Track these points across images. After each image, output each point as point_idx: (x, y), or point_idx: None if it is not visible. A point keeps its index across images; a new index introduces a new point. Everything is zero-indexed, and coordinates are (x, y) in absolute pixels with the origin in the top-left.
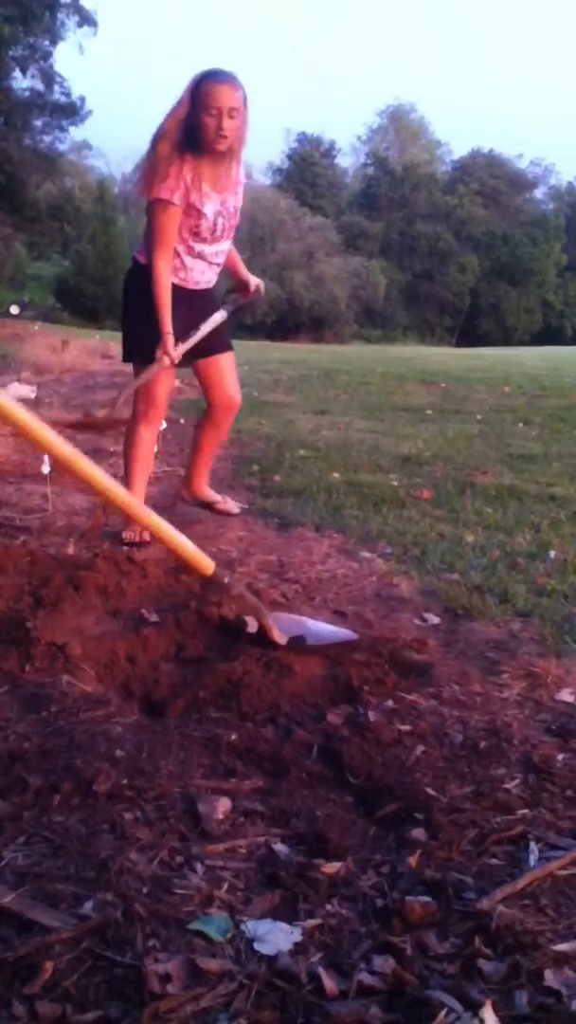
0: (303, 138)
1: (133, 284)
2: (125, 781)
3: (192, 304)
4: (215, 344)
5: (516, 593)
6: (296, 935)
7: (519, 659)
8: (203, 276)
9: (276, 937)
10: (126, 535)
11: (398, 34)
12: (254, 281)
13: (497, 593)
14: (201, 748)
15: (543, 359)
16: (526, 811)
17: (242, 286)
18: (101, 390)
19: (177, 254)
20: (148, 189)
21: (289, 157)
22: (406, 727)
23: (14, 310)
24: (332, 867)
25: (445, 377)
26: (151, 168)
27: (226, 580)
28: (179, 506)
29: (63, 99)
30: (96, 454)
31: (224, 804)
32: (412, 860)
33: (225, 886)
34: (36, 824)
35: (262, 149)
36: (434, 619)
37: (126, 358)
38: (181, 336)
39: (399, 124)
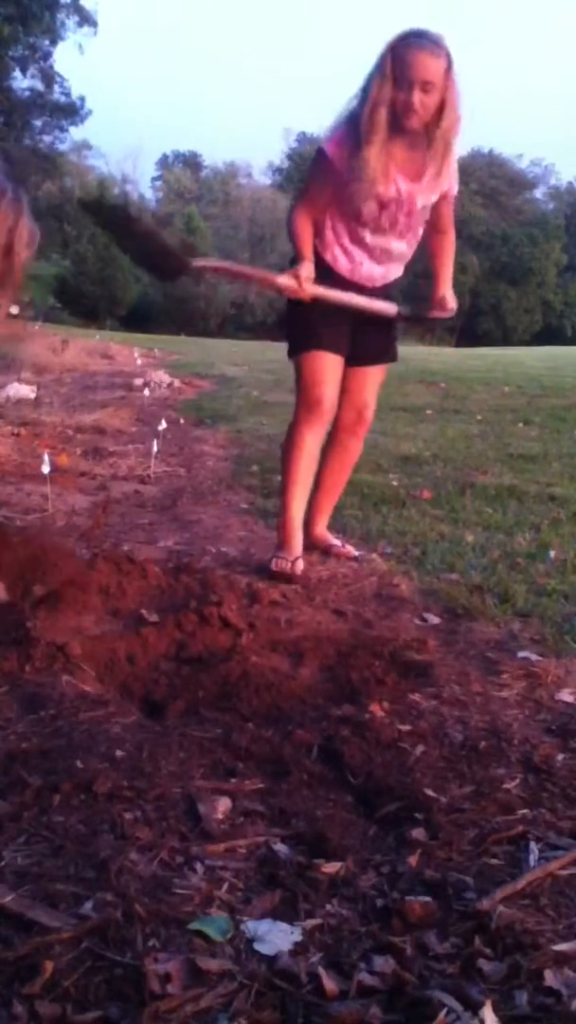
0: (303, 138)
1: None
2: (125, 781)
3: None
4: (375, 352)
5: (516, 593)
6: (296, 935)
7: (519, 659)
8: (362, 268)
9: (276, 937)
10: (275, 564)
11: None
12: (441, 295)
13: (497, 593)
14: (201, 748)
15: (543, 359)
16: (526, 811)
17: (431, 300)
18: (101, 390)
19: (335, 232)
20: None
21: (289, 157)
22: (406, 727)
23: (14, 310)
24: (332, 867)
25: (445, 377)
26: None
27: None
28: (179, 505)
29: (63, 99)
30: (95, 454)
31: (224, 804)
32: (412, 860)
33: (225, 886)
34: (36, 824)
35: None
36: (434, 619)
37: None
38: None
39: None
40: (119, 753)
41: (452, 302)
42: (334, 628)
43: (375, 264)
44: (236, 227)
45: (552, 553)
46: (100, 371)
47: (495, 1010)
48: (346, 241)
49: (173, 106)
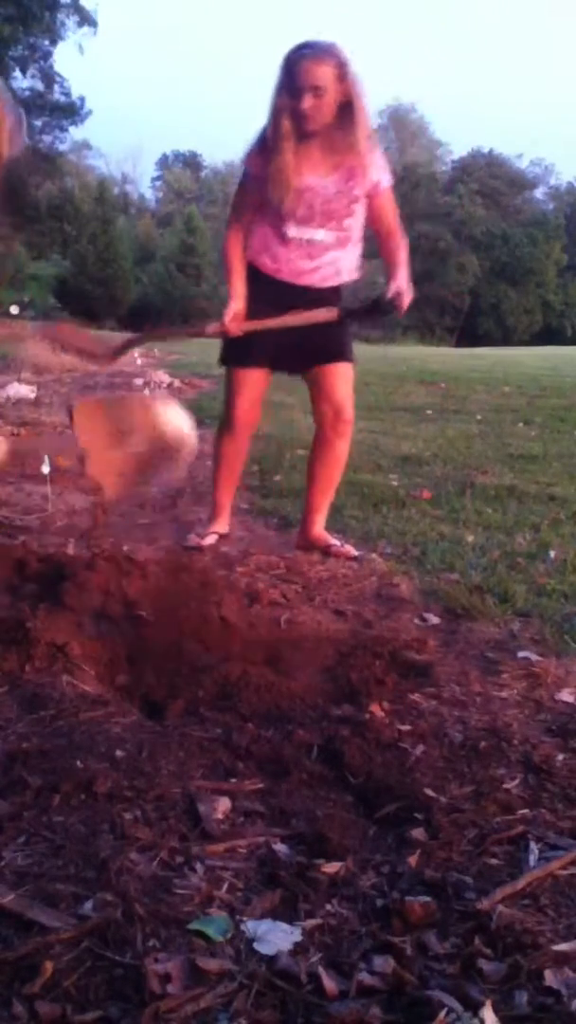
0: None
1: None
2: (125, 781)
3: (278, 298)
4: (329, 351)
5: (516, 593)
6: (296, 935)
7: (519, 659)
8: (289, 265)
9: (276, 937)
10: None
11: (398, 33)
12: (395, 288)
13: (497, 593)
14: (201, 748)
15: (543, 359)
16: (526, 811)
17: (387, 292)
18: (102, 390)
19: (261, 236)
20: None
21: None
22: (406, 727)
23: (14, 310)
24: (332, 867)
25: (445, 377)
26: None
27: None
28: (179, 505)
29: (63, 99)
30: None
31: (224, 804)
32: (412, 860)
33: (225, 886)
34: (36, 824)
35: None
36: (434, 619)
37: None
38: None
39: (399, 124)
40: (119, 753)
41: (399, 286)
42: (334, 628)
43: (304, 259)
44: None
45: (552, 553)
46: (100, 371)
47: (495, 1010)
48: (274, 244)
49: (173, 106)
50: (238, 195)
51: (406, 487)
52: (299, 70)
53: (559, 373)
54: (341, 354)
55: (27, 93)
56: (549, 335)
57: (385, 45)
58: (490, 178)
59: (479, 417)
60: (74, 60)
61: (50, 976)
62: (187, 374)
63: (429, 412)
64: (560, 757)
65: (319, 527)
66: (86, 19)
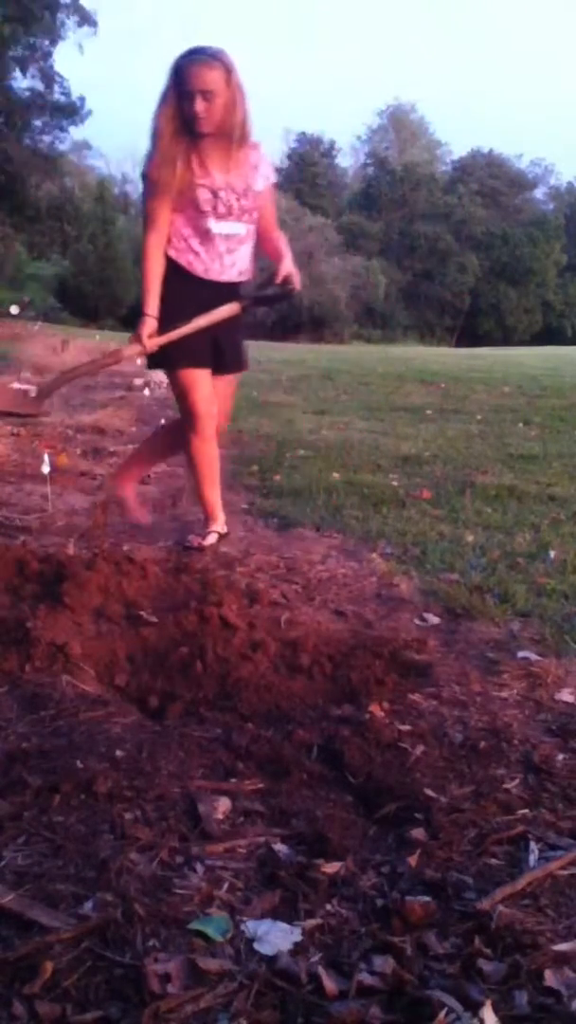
0: (303, 138)
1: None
2: (125, 781)
3: (206, 297)
4: (226, 361)
5: (516, 593)
6: (296, 935)
7: (519, 659)
8: (214, 264)
9: (276, 937)
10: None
11: (398, 34)
12: (285, 270)
13: (497, 593)
14: (201, 748)
15: (543, 359)
16: (526, 811)
17: (276, 277)
18: (101, 390)
19: (183, 237)
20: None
21: (289, 157)
22: (406, 727)
23: (14, 310)
24: (332, 867)
25: (445, 377)
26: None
27: None
28: (178, 505)
29: (63, 99)
30: (95, 454)
31: (224, 804)
32: (412, 860)
33: (225, 886)
34: (36, 824)
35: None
36: (434, 619)
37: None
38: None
39: (399, 124)
40: (119, 753)
41: (288, 270)
42: (334, 628)
43: (225, 255)
44: None
45: (552, 553)
46: (93, 376)
47: (495, 1010)
48: (195, 243)
49: None
50: (150, 205)
51: (406, 487)
52: (190, 75)
53: (559, 373)
54: (240, 363)
55: (27, 93)
56: (549, 335)
57: (385, 45)
58: (490, 178)
59: (479, 417)
60: (74, 60)
61: (50, 976)
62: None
63: (429, 412)
64: (560, 757)
65: (131, 487)
66: (86, 19)
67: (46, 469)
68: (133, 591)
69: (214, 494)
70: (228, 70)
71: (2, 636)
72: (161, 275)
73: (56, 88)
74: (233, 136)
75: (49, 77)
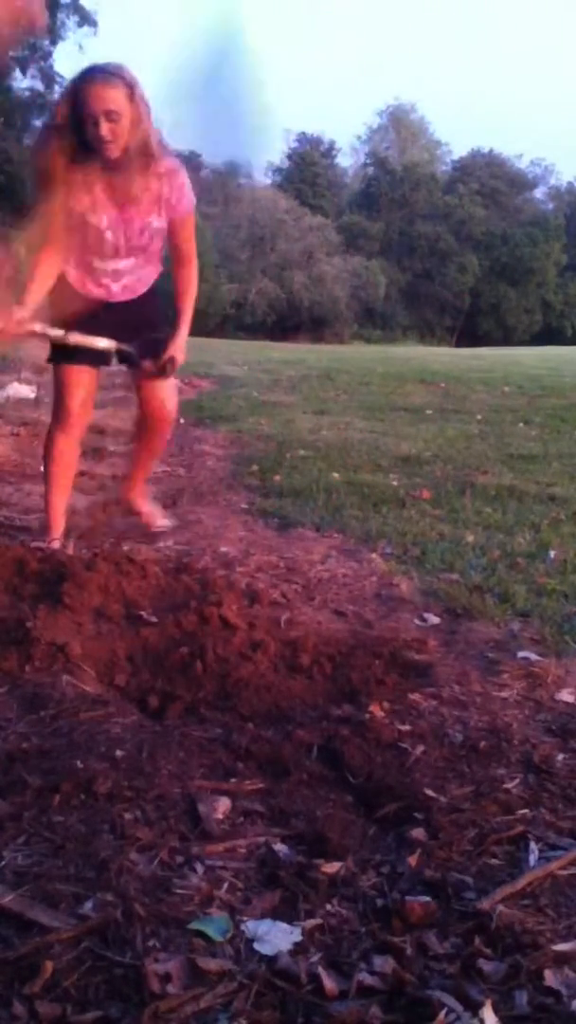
0: (303, 138)
1: None
2: (125, 781)
3: (88, 310)
4: (133, 360)
5: (516, 593)
6: (296, 935)
7: (519, 659)
8: (101, 291)
9: (276, 937)
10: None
11: (398, 34)
12: (171, 354)
13: (497, 593)
14: (201, 748)
15: (543, 359)
16: (526, 811)
17: (162, 350)
18: (101, 390)
19: (72, 256)
20: None
21: (289, 157)
22: (406, 727)
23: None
24: (332, 867)
25: (445, 377)
26: None
27: None
28: (178, 505)
29: None
30: (95, 454)
31: (224, 804)
32: (412, 860)
33: (225, 886)
34: (36, 824)
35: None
36: (434, 619)
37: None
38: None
39: (399, 124)
40: (119, 753)
41: (180, 359)
42: (334, 628)
43: (111, 283)
44: (236, 227)
45: (552, 553)
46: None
47: (495, 1010)
48: (81, 268)
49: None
50: (36, 225)
51: (406, 487)
52: (90, 96)
53: (559, 373)
54: (154, 357)
55: (27, 93)
56: (549, 335)
57: (385, 45)
58: (490, 178)
59: (479, 417)
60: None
61: (50, 976)
62: (187, 374)
63: (429, 412)
64: (560, 757)
65: (137, 492)
66: (86, 19)
67: None
68: (133, 591)
69: (59, 500)
70: (130, 85)
71: (2, 636)
72: (47, 280)
73: (56, 88)
74: (134, 161)
75: (49, 77)
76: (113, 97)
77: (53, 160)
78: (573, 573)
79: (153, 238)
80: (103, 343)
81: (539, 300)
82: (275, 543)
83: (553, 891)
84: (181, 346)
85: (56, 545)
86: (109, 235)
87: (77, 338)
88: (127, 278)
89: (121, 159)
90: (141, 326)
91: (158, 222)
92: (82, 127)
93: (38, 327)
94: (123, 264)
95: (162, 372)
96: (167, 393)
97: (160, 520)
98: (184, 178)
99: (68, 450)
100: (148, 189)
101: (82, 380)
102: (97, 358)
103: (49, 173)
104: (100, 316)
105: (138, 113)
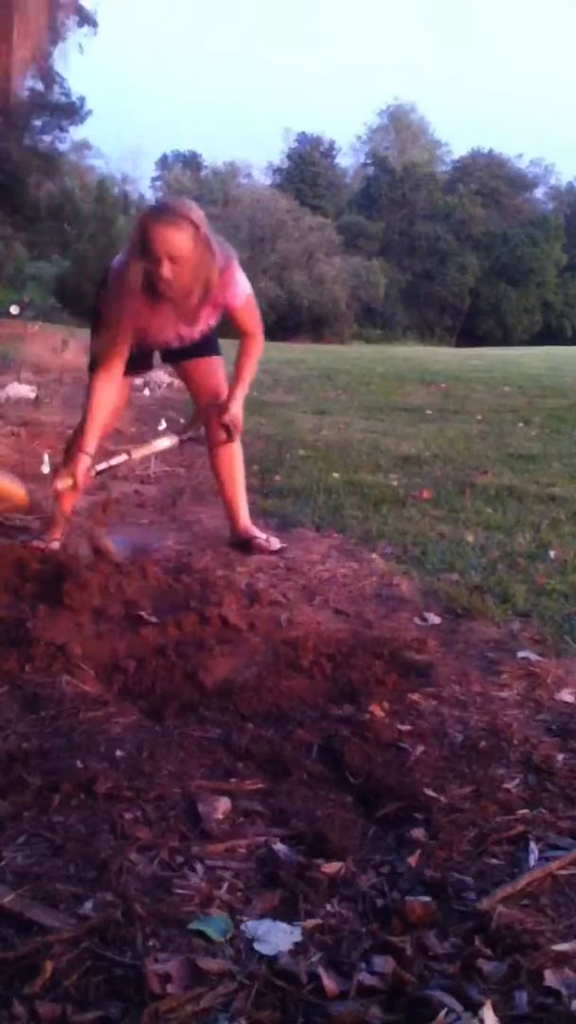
0: (303, 138)
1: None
2: (125, 781)
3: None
4: (198, 346)
5: (516, 593)
6: (296, 935)
7: (519, 659)
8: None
9: (276, 937)
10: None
11: (398, 33)
12: (230, 413)
13: (497, 593)
14: (201, 748)
15: (543, 359)
16: (526, 811)
17: (220, 413)
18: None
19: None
20: None
21: (289, 157)
22: (406, 727)
23: (14, 310)
24: (332, 867)
25: (445, 377)
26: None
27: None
28: (179, 505)
29: (63, 99)
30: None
31: (224, 804)
32: (412, 860)
33: (225, 886)
34: (36, 824)
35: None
36: (434, 619)
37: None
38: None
39: (399, 124)
40: (119, 753)
41: (239, 416)
42: (334, 628)
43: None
44: (236, 227)
45: (552, 553)
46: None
47: (495, 1010)
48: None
49: (173, 106)
50: (99, 349)
51: (406, 487)
52: (157, 236)
53: (559, 373)
54: (214, 349)
55: (27, 93)
56: (549, 335)
57: (385, 44)
58: (490, 178)
59: (479, 417)
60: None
61: (50, 976)
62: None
63: (429, 412)
64: (560, 757)
65: (243, 520)
66: (86, 19)
67: (46, 469)
68: (133, 591)
69: (94, 429)
70: (196, 226)
71: (2, 636)
72: (104, 417)
73: (56, 88)
74: (197, 295)
75: (49, 77)
76: (178, 242)
77: (130, 287)
78: (573, 573)
79: (207, 333)
80: (165, 443)
81: (539, 300)
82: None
83: (553, 891)
84: (239, 405)
85: (55, 546)
86: (175, 344)
87: (141, 452)
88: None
89: (188, 295)
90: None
91: (213, 321)
92: (148, 261)
93: (101, 466)
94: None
95: (228, 434)
96: (212, 381)
97: (276, 544)
98: (234, 272)
99: (104, 389)
100: (206, 307)
101: (105, 380)
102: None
103: (123, 299)
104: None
105: (201, 255)
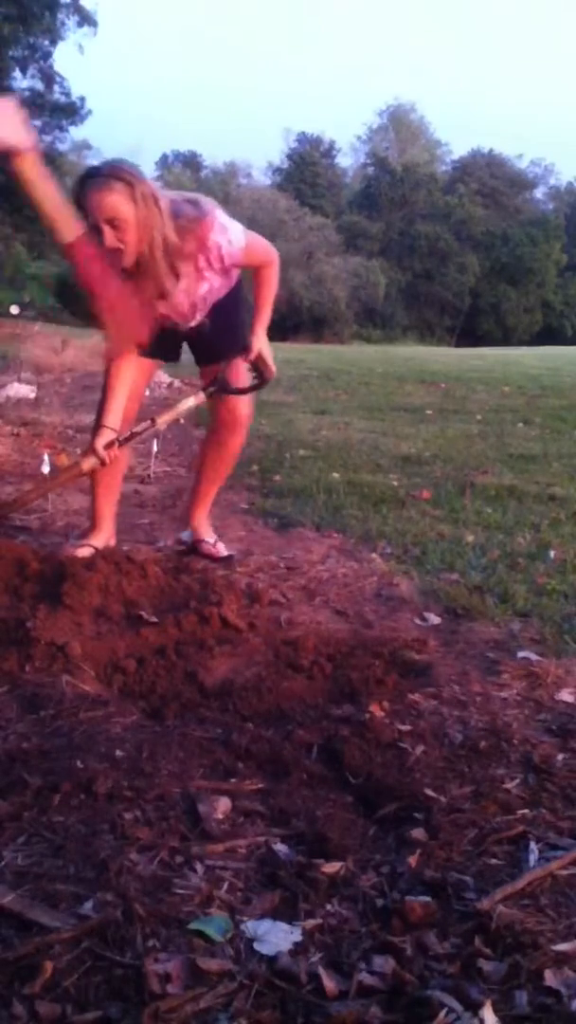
0: (303, 138)
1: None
2: (125, 781)
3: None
4: (200, 356)
5: (516, 593)
6: (296, 935)
7: (519, 659)
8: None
9: (276, 937)
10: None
11: (398, 33)
12: (254, 349)
13: (497, 593)
14: (201, 748)
15: (543, 359)
16: (526, 811)
17: (245, 351)
18: (101, 391)
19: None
20: None
21: (289, 157)
22: (406, 727)
23: (14, 310)
24: (332, 867)
25: (445, 377)
26: None
27: None
28: (179, 505)
29: (63, 99)
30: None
31: (224, 804)
32: (412, 860)
33: (225, 886)
34: (36, 824)
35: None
36: (434, 619)
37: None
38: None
39: (399, 124)
40: (119, 753)
41: (267, 358)
42: (334, 628)
43: (180, 322)
44: None
45: (552, 553)
46: (100, 371)
47: (495, 1010)
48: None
49: (173, 106)
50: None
51: (406, 487)
52: (91, 205)
53: (559, 373)
54: (223, 354)
55: (27, 93)
56: (549, 335)
57: (385, 45)
58: (490, 178)
59: (479, 417)
60: (74, 60)
61: (50, 976)
62: (187, 374)
63: (429, 412)
64: (560, 757)
65: (200, 517)
66: (86, 19)
67: (46, 469)
68: (133, 591)
69: (117, 403)
70: (129, 184)
71: (2, 636)
72: (124, 391)
73: (56, 88)
74: (161, 261)
75: (49, 77)
76: (112, 203)
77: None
78: (573, 573)
79: (213, 290)
80: (191, 402)
81: (539, 300)
82: (275, 543)
83: (553, 891)
84: (263, 340)
85: (100, 544)
86: (190, 319)
87: (166, 417)
88: (200, 314)
89: (145, 262)
90: (220, 328)
91: (214, 280)
92: (94, 233)
93: (125, 435)
94: (195, 320)
95: (260, 376)
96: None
97: (224, 551)
98: (212, 225)
99: (120, 367)
100: (187, 273)
101: (125, 361)
102: (167, 355)
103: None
104: (174, 331)
105: (144, 214)
